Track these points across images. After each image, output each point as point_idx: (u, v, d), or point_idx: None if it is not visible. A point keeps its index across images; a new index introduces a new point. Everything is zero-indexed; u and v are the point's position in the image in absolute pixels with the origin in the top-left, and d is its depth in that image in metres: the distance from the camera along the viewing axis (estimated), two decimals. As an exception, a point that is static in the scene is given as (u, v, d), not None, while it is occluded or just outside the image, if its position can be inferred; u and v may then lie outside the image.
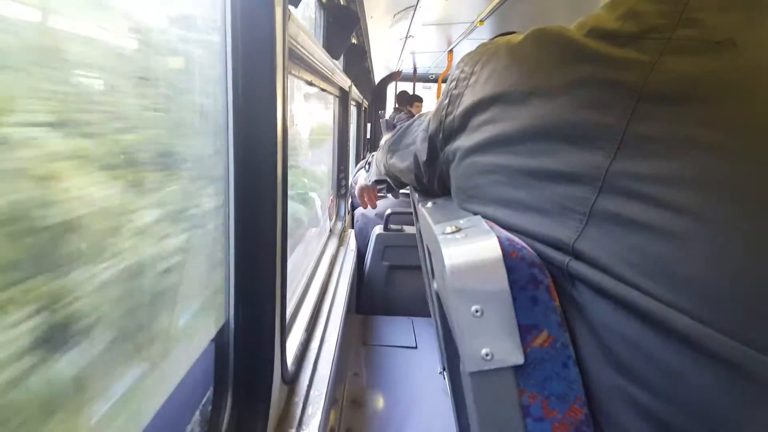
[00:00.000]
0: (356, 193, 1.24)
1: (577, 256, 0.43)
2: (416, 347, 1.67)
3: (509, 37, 0.54)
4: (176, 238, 0.57)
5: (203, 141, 0.64)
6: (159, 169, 0.53)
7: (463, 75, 0.56)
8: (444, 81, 5.22)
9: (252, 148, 0.68)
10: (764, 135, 0.37)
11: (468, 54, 0.58)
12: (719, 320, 0.36)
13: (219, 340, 0.68)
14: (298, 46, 0.91)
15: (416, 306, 2.00)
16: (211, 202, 0.66)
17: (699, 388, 0.37)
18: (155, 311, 0.53)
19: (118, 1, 0.47)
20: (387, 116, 5.45)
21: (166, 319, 0.55)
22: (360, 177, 1.22)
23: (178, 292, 0.57)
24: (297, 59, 1.00)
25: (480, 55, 0.55)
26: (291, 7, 0.76)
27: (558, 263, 0.45)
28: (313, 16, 1.51)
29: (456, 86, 0.56)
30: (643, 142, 0.40)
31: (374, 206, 1.30)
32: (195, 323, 0.63)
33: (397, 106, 5.33)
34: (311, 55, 1.06)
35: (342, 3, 1.44)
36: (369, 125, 4.94)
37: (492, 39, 0.58)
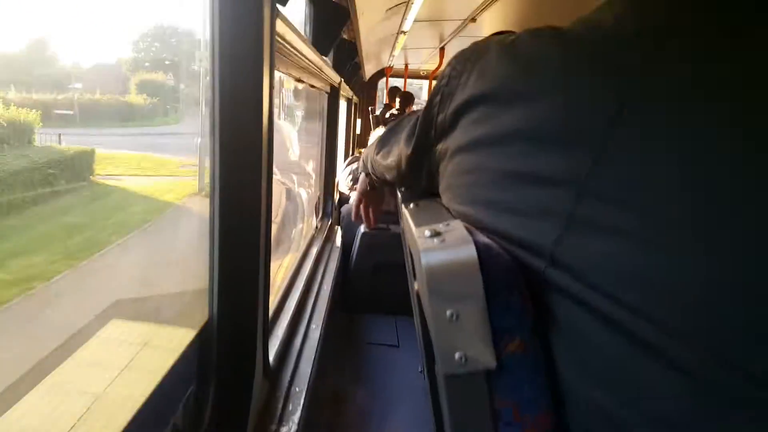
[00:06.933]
0: (353, 201, 1.12)
1: (554, 262, 0.43)
2: (398, 346, 1.69)
3: (502, 36, 0.53)
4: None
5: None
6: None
7: (454, 73, 0.54)
8: (435, 78, 5.21)
9: (238, 145, 0.68)
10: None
11: (460, 51, 0.56)
12: (691, 332, 0.35)
13: (202, 335, 0.68)
14: (286, 44, 0.91)
15: (399, 305, 2.00)
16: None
17: (668, 401, 0.37)
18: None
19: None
20: (377, 112, 5.44)
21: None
22: (359, 180, 1.09)
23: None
24: (285, 56, 1.00)
25: (472, 53, 0.54)
26: (279, 6, 0.76)
27: (536, 269, 0.45)
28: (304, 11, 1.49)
29: (447, 83, 0.55)
30: (625, 147, 0.38)
31: (370, 225, 1.18)
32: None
33: (387, 102, 5.32)
34: (299, 52, 1.05)
35: (332, -1, 1.43)
36: (359, 121, 4.92)
37: (486, 38, 0.56)
